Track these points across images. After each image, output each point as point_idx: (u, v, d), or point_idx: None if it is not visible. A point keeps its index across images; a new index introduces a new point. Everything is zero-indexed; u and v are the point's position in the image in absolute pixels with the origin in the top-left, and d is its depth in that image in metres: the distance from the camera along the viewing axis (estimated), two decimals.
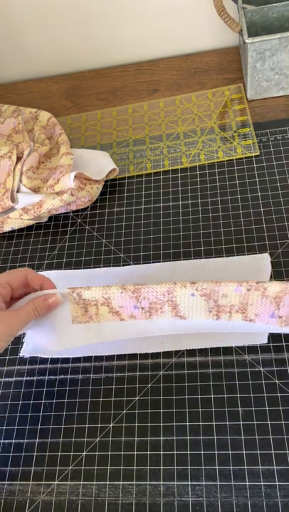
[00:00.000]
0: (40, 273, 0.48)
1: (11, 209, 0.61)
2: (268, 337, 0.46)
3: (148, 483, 0.42)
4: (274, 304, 0.41)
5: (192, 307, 0.43)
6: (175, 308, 0.44)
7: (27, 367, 0.51)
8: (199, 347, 0.47)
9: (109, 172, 0.63)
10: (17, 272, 0.46)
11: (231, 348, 0.47)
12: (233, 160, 0.62)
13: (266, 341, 0.45)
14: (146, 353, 0.49)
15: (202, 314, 0.43)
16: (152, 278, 0.53)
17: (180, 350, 0.48)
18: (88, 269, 0.55)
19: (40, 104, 0.79)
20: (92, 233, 0.60)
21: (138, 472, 0.43)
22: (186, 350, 0.48)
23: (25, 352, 0.49)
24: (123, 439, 0.45)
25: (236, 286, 0.41)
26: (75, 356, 0.49)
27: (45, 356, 0.50)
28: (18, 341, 0.52)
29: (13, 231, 0.63)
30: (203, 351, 0.48)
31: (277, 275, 0.50)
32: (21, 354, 0.49)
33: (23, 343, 0.51)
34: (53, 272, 0.55)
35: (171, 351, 0.48)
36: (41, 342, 0.48)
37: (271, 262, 0.50)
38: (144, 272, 0.53)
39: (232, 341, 0.47)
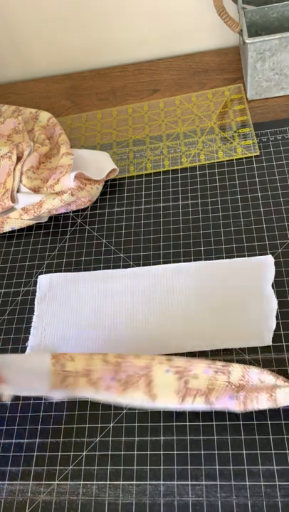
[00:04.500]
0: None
1: (11, 209, 0.61)
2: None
3: (148, 483, 0.42)
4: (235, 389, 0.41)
5: (164, 385, 0.42)
6: (149, 384, 0.42)
7: None
8: (205, 349, 0.47)
9: (110, 172, 0.63)
10: None
11: (231, 348, 0.47)
12: (233, 160, 0.62)
13: (271, 342, 0.46)
14: None
15: (170, 395, 0.42)
16: (155, 280, 0.53)
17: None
18: (93, 272, 0.55)
19: (40, 104, 0.79)
20: (92, 233, 0.60)
21: (138, 472, 0.43)
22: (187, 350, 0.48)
23: None
24: (123, 439, 0.45)
25: (206, 368, 0.41)
26: None
27: None
28: (18, 341, 0.52)
29: (13, 231, 0.63)
30: (203, 351, 0.48)
31: (277, 275, 0.50)
32: None
33: (25, 345, 0.51)
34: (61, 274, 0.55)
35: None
36: None
37: None
38: (147, 274, 0.53)
39: (237, 343, 0.47)
